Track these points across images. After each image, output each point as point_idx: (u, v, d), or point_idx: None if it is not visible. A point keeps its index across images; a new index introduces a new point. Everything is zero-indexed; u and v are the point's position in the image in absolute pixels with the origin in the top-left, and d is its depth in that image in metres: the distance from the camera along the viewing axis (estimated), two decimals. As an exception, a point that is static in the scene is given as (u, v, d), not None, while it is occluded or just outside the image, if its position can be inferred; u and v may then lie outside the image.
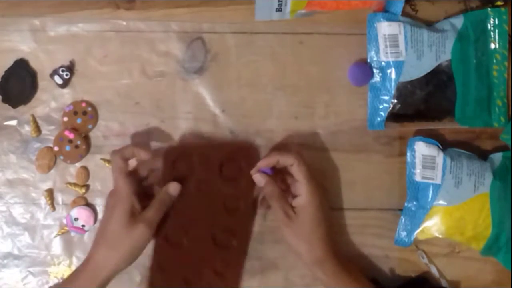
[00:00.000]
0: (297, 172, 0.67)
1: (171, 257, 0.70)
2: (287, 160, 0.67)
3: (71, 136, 0.72)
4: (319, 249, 0.67)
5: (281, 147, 0.73)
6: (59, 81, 0.73)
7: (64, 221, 0.73)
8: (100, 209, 0.73)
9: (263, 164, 0.69)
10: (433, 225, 0.71)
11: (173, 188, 0.68)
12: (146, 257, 0.69)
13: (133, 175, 0.68)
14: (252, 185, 0.70)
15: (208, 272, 0.70)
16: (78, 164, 0.73)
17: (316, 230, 0.67)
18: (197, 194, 0.70)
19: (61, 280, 0.73)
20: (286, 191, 0.70)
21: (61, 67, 0.73)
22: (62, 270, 0.73)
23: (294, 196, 0.68)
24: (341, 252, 0.71)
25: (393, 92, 0.72)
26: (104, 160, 0.73)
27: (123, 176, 0.66)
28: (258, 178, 0.69)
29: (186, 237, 0.70)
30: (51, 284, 0.73)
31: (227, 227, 0.71)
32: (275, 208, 0.68)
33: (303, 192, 0.67)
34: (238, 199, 0.71)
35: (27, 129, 0.73)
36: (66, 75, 0.73)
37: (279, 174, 0.70)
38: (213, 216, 0.71)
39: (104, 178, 0.73)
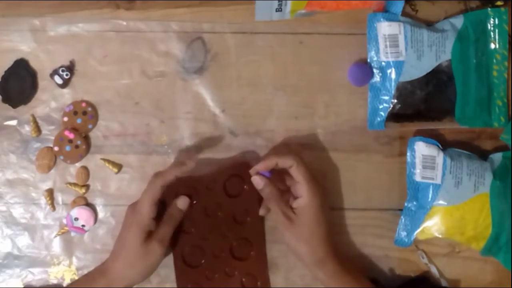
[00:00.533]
0: (297, 173, 0.67)
1: (194, 278, 0.71)
2: (286, 162, 0.67)
3: (71, 136, 0.72)
4: (320, 250, 0.67)
5: (281, 148, 0.73)
6: (59, 81, 0.73)
7: (64, 221, 0.73)
8: (100, 209, 0.73)
9: (261, 167, 0.68)
10: (433, 225, 0.71)
11: (182, 202, 0.69)
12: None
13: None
14: (256, 195, 0.70)
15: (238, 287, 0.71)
16: (78, 164, 0.73)
17: (317, 231, 0.67)
18: (206, 216, 0.70)
19: (61, 280, 0.73)
20: (287, 192, 0.70)
21: (61, 67, 0.73)
22: (62, 270, 0.73)
23: (295, 198, 0.68)
24: (341, 252, 0.72)
25: (393, 92, 0.72)
26: (104, 160, 0.73)
27: (151, 203, 0.66)
28: (257, 181, 0.68)
29: (204, 257, 0.71)
30: (50, 284, 0.73)
31: (242, 238, 0.71)
32: (274, 210, 0.68)
33: (303, 193, 0.67)
34: (246, 213, 0.71)
35: (27, 129, 0.73)
36: (66, 75, 0.73)
37: (279, 176, 0.70)
38: (226, 230, 0.71)
39: (104, 178, 0.73)
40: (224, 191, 0.71)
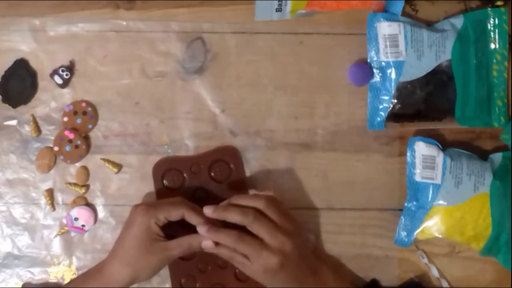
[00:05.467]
0: (258, 231, 0.64)
1: (187, 271, 0.72)
2: (242, 221, 0.64)
3: (71, 136, 0.72)
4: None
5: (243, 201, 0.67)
6: (59, 81, 0.73)
7: (64, 221, 0.73)
8: (100, 209, 0.73)
9: (208, 210, 0.65)
10: (433, 225, 0.71)
11: (207, 244, 0.65)
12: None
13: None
14: (241, 184, 0.72)
15: (231, 279, 0.72)
16: (78, 164, 0.73)
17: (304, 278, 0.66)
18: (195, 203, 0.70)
19: (61, 280, 0.73)
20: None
21: (61, 67, 0.73)
22: (62, 270, 0.73)
23: None
24: (340, 252, 0.72)
25: (393, 92, 0.72)
26: (104, 160, 0.73)
27: (165, 217, 0.65)
28: (206, 245, 0.65)
29: (196, 251, 0.71)
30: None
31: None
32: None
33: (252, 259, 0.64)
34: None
35: (27, 129, 0.73)
36: (66, 75, 0.73)
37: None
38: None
39: (104, 178, 0.73)
40: (210, 176, 0.71)
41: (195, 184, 0.72)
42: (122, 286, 0.65)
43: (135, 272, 0.65)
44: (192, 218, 0.66)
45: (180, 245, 0.66)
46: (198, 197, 0.71)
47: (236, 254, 0.65)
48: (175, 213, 0.66)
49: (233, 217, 0.64)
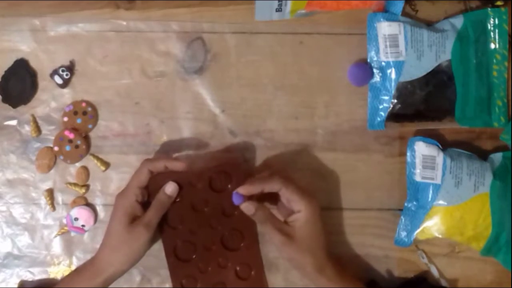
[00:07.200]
0: (289, 193, 0.66)
1: (188, 272, 0.71)
2: (273, 187, 0.66)
3: (71, 136, 0.72)
4: (322, 257, 0.67)
5: (264, 171, 0.71)
6: (59, 81, 0.73)
7: (64, 221, 0.73)
8: (100, 209, 0.74)
9: (243, 191, 0.66)
10: (433, 225, 0.72)
11: (171, 188, 0.68)
12: (146, 257, 0.69)
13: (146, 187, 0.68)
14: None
15: (232, 277, 0.71)
16: (78, 164, 0.73)
17: (319, 239, 0.67)
18: (194, 211, 0.70)
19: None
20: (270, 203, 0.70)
21: (61, 67, 0.73)
22: (62, 270, 0.73)
23: (288, 214, 0.67)
24: (340, 252, 0.72)
25: (393, 92, 0.72)
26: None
27: (136, 186, 0.67)
28: (248, 207, 0.66)
29: (196, 250, 0.71)
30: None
31: (232, 229, 0.71)
32: (271, 231, 0.66)
33: (301, 208, 0.66)
34: (234, 206, 0.69)
35: (27, 129, 0.73)
36: (66, 75, 0.73)
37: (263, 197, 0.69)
38: (215, 223, 0.71)
39: (104, 178, 0.73)
40: (210, 187, 0.70)
41: (194, 196, 0.70)
42: (114, 272, 0.66)
43: (123, 256, 0.66)
44: (157, 166, 0.67)
45: (153, 207, 0.67)
46: (197, 207, 0.70)
47: (269, 212, 0.67)
48: (143, 176, 0.67)
49: (265, 186, 0.66)
